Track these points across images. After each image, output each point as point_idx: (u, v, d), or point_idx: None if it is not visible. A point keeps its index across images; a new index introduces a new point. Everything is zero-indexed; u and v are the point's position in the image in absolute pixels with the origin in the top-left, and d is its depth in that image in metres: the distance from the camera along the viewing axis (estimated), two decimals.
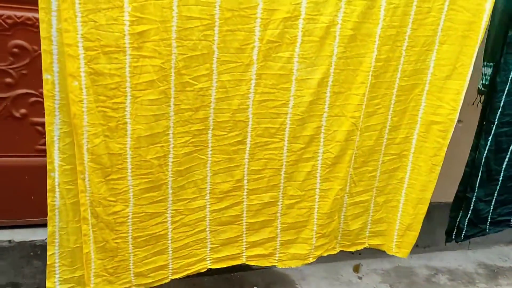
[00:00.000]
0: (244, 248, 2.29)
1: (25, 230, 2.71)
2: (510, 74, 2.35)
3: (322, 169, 2.22)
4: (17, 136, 2.55)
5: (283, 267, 2.38)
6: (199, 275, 3.08)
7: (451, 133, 2.27)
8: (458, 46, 2.17)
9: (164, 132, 1.92)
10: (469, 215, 2.63)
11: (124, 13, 1.70)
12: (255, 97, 2.01)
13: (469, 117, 2.59)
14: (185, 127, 1.95)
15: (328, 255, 3.27)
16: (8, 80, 2.45)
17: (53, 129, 1.79)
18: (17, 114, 2.52)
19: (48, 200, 1.87)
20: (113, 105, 1.79)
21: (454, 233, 2.70)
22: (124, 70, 1.76)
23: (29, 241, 2.67)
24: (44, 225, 1.97)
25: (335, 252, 2.48)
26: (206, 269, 2.27)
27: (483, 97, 2.48)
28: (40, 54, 1.72)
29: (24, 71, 2.45)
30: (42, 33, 1.66)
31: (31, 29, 2.41)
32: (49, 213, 1.89)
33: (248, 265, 3.20)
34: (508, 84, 2.37)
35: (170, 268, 2.16)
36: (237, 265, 3.14)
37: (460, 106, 2.22)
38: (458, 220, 2.66)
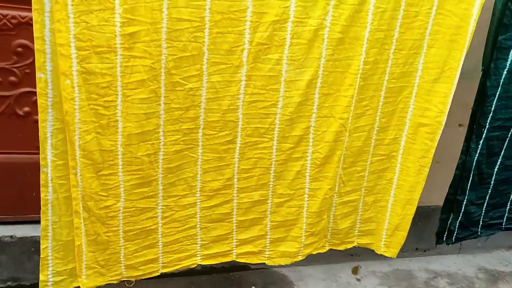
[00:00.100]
0: (234, 246, 2.34)
1: (27, 226, 2.77)
2: (501, 79, 2.37)
3: (311, 169, 2.26)
4: (20, 134, 2.61)
5: (273, 264, 2.41)
6: (197, 273, 3.16)
7: (439, 135, 2.30)
8: (446, 50, 2.20)
9: (155, 130, 1.98)
10: (460, 217, 2.65)
11: (115, 14, 1.76)
12: (245, 98, 2.06)
13: None
14: (176, 125, 2.01)
15: (327, 256, 3.33)
16: (12, 78, 2.52)
17: (46, 126, 1.86)
18: (21, 112, 2.59)
19: (42, 195, 1.94)
20: (104, 103, 1.86)
21: (445, 235, 2.72)
22: (115, 69, 1.83)
23: (30, 236, 2.75)
24: None
25: (325, 251, 2.51)
26: (196, 265, 2.31)
27: None
28: None
29: (27, 70, 2.52)
30: (36, 33, 1.73)
31: None
32: (42, 208, 1.96)
33: (247, 265, 3.26)
34: (500, 88, 2.39)
35: (161, 262, 2.22)
36: (236, 264, 3.22)
37: (448, 109, 2.25)
38: (449, 222, 2.68)
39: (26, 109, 2.59)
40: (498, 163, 2.58)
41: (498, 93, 2.40)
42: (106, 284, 2.17)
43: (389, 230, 2.53)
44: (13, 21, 2.46)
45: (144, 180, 2.04)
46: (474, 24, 2.14)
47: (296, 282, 3.27)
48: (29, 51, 2.49)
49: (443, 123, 2.28)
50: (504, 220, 2.78)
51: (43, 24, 1.73)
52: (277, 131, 2.15)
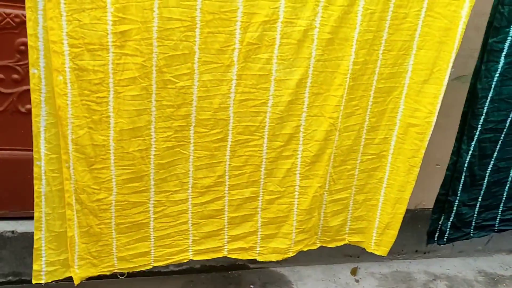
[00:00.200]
0: (225, 242, 2.38)
1: (28, 221, 2.80)
2: (493, 82, 2.39)
3: (302, 167, 2.30)
4: (22, 131, 2.65)
5: (264, 260, 2.45)
6: (196, 272, 3.20)
7: (429, 136, 2.32)
8: (435, 52, 2.22)
9: (146, 127, 2.03)
10: (451, 218, 2.67)
11: (107, 13, 1.81)
12: (235, 97, 2.10)
13: None
14: (167, 122, 2.06)
15: (326, 257, 3.36)
16: (15, 76, 2.57)
17: (39, 120, 1.92)
18: (23, 110, 2.65)
19: (35, 187, 2.00)
20: (96, 99, 1.91)
21: (436, 235, 2.73)
22: (107, 66, 1.88)
23: (32, 232, 2.72)
24: None
25: (316, 248, 2.55)
26: (188, 260, 2.36)
27: None
28: None
29: None
30: (29, 30, 1.79)
31: None
32: (35, 200, 2.02)
33: (246, 264, 3.30)
34: (492, 91, 2.40)
35: (152, 256, 2.28)
36: (235, 263, 3.26)
37: (438, 110, 2.28)
38: (440, 222, 2.69)
39: (28, 106, 2.59)
40: (491, 165, 2.60)
41: (490, 95, 2.41)
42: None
43: (379, 229, 2.56)
44: (17, 19, 2.51)
45: (135, 175, 2.09)
46: (463, 27, 2.16)
47: (294, 282, 3.30)
48: None
49: (433, 123, 2.30)
50: (497, 221, 2.79)
51: (36, 21, 1.79)
52: (268, 129, 2.19)
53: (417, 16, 2.18)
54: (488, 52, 2.35)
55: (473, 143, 2.50)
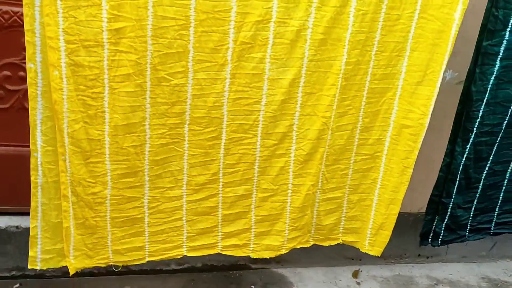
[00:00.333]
0: (219, 238, 2.42)
1: None
2: (488, 85, 2.39)
3: (295, 165, 2.33)
4: (28, 128, 2.71)
5: (257, 257, 2.48)
6: (198, 271, 3.23)
7: (422, 137, 2.33)
8: (428, 54, 2.24)
9: (141, 123, 2.07)
10: (446, 220, 2.66)
11: (102, 10, 1.87)
12: (229, 95, 2.14)
13: None
14: (162, 119, 2.10)
15: (328, 259, 3.38)
16: (21, 73, 2.63)
17: (36, 113, 1.99)
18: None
19: (32, 178, 2.06)
20: (92, 95, 1.97)
21: (430, 237, 2.73)
22: (102, 63, 1.94)
23: None
24: None
25: (309, 245, 2.57)
26: (182, 256, 2.39)
27: None
28: None
29: None
30: (26, 26, 1.86)
31: None
32: (32, 190, 2.08)
33: (247, 264, 3.32)
34: (487, 94, 2.40)
35: (147, 250, 2.32)
36: (237, 263, 3.29)
37: (431, 111, 2.29)
38: (434, 224, 2.69)
39: None
40: (487, 168, 2.59)
41: (485, 98, 2.41)
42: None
43: (373, 229, 2.57)
44: (23, 18, 2.57)
45: (130, 170, 2.14)
46: (457, 29, 2.17)
47: (295, 283, 3.31)
48: None
49: (426, 125, 2.31)
50: (493, 224, 2.78)
51: (33, 17, 1.86)
52: (261, 127, 2.23)
53: (410, 18, 2.21)
54: (482, 55, 2.35)
55: (468, 146, 2.49)
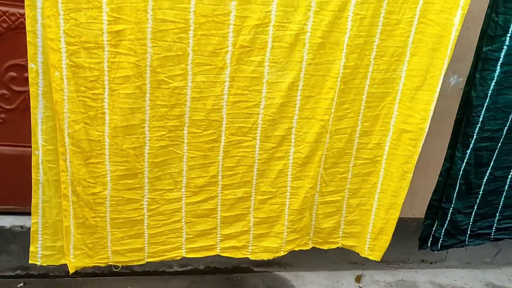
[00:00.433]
0: (218, 240, 2.43)
1: None
2: (489, 90, 2.38)
3: (293, 168, 2.34)
4: None
5: (255, 259, 2.49)
6: (200, 273, 3.26)
7: (422, 142, 2.34)
8: (428, 58, 2.24)
9: (140, 125, 2.09)
10: (445, 225, 2.65)
11: (103, 13, 1.90)
12: (228, 98, 2.16)
13: None
14: (161, 122, 2.12)
15: (331, 264, 3.38)
16: (27, 75, 2.60)
17: (37, 112, 2.02)
18: None
19: (33, 175, 2.10)
20: (92, 96, 2.00)
21: (429, 241, 2.72)
22: (102, 64, 1.96)
23: None
24: None
25: (308, 248, 2.58)
26: (181, 257, 2.41)
27: None
28: None
29: None
30: (28, 27, 1.89)
31: None
32: (33, 187, 2.12)
33: (250, 267, 3.34)
34: (488, 99, 2.40)
35: (146, 252, 2.33)
36: (239, 266, 3.30)
37: (431, 116, 2.30)
38: (433, 228, 2.68)
39: None
40: (487, 173, 2.58)
41: (486, 104, 2.40)
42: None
43: (373, 234, 2.57)
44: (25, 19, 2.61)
45: (130, 172, 2.16)
46: (456, 34, 2.17)
47: (298, 287, 3.32)
48: None
49: (426, 130, 2.31)
50: (493, 230, 2.77)
51: (35, 19, 1.89)
52: (260, 130, 2.24)
53: (410, 22, 2.21)
54: (482, 60, 2.34)
55: (468, 151, 2.49)
